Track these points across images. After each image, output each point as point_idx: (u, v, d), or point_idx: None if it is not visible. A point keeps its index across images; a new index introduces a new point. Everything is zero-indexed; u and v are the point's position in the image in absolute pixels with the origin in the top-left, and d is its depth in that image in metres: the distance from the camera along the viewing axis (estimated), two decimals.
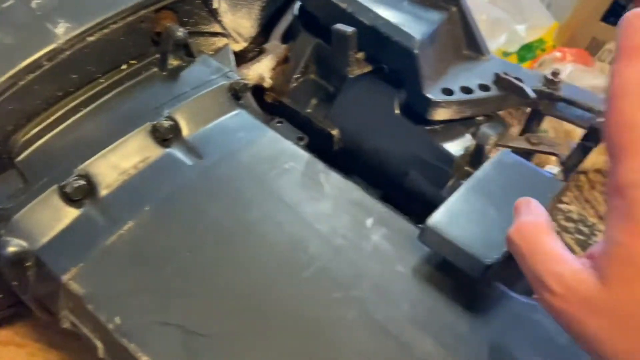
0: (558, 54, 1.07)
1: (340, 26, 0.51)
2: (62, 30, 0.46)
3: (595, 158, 0.85)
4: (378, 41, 0.52)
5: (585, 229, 0.78)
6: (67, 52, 0.47)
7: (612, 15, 1.13)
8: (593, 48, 1.15)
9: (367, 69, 0.55)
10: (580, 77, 0.98)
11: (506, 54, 1.09)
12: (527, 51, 1.12)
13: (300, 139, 0.59)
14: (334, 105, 0.59)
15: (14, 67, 0.44)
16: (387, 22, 0.52)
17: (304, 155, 0.51)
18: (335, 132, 0.59)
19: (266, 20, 0.67)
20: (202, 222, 0.45)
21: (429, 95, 0.50)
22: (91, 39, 0.48)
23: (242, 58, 0.68)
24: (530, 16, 1.13)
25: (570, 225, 0.78)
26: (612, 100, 0.24)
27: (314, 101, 0.62)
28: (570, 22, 1.17)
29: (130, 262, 0.43)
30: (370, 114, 0.56)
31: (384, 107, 0.55)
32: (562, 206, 0.81)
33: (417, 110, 0.52)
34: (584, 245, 0.75)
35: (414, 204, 0.53)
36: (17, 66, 0.44)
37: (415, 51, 0.50)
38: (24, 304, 0.47)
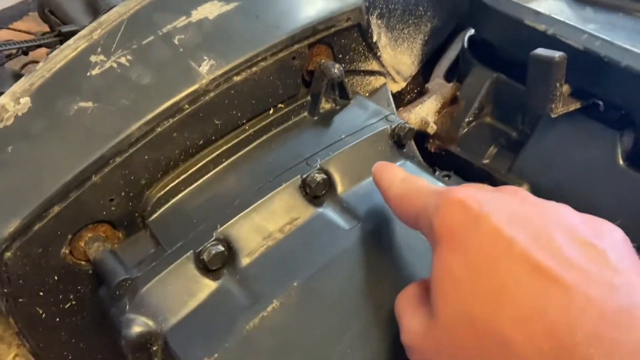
0: None
1: (542, 51, 0.39)
2: (207, 69, 0.40)
3: None
4: (596, 69, 0.39)
5: None
6: (211, 94, 0.40)
7: None
8: None
9: (575, 106, 0.42)
10: None
11: None
12: None
13: None
14: (522, 154, 0.46)
15: (152, 111, 0.38)
16: (609, 44, 0.39)
17: None
18: (525, 187, 0.46)
19: (428, 56, 0.57)
20: (366, 306, 0.34)
21: None
22: (238, 78, 0.41)
23: (399, 101, 0.58)
24: None
25: None
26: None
27: (492, 150, 0.49)
28: None
29: (275, 358, 0.33)
30: (579, 165, 0.43)
31: (600, 155, 0.41)
32: None
33: None
34: None
35: None
36: (155, 110, 0.38)
37: None
38: None
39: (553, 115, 0.41)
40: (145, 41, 0.40)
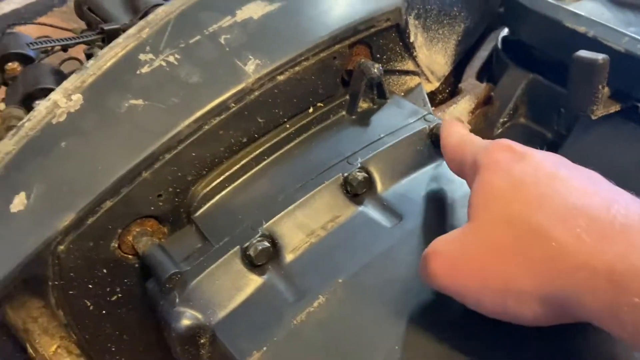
0: None
1: (586, 53, 0.40)
2: (252, 68, 0.40)
3: None
4: (637, 72, 0.39)
5: None
6: (256, 93, 0.41)
7: None
8: None
9: (615, 108, 0.42)
10: None
11: None
12: None
13: None
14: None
15: (200, 109, 0.39)
16: None
17: None
18: None
19: (460, 57, 0.58)
20: (410, 304, 0.35)
21: None
22: (281, 77, 0.42)
23: (431, 101, 0.58)
24: None
25: None
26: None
27: None
28: None
29: (323, 351, 0.34)
30: (617, 167, 0.43)
31: (639, 158, 0.41)
32: None
33: None
34: None
35: None
36: (204, 108, 0.39)
37: None
38: None
39: (593, 117, 0.41)
40: (192, 40, 0.41)
